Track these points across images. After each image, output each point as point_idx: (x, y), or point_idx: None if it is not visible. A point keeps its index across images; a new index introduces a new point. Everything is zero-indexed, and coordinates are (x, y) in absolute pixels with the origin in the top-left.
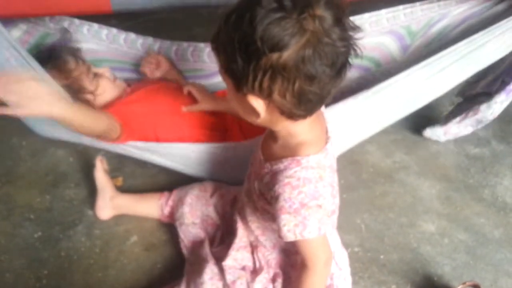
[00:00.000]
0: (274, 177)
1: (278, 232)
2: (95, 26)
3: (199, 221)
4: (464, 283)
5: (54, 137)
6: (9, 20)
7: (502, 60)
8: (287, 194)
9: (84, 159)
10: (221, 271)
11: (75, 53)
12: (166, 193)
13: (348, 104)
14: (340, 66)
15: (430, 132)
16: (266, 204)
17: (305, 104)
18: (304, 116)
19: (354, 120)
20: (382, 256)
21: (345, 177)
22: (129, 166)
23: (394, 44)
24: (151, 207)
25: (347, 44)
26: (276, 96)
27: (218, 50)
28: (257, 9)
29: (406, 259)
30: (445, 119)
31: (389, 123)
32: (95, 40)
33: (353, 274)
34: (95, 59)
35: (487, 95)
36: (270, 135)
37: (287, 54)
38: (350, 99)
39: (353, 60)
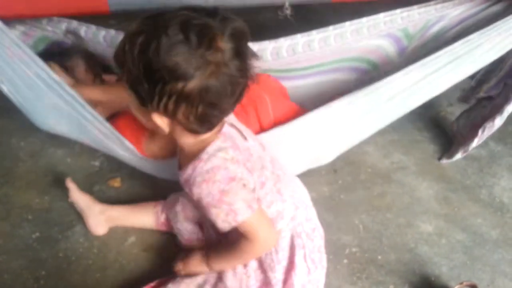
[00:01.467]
0: (188, 183)
1: (216, 226)
2: (93, 27)
3: (191, 217)
4: (461, 283)
5: (56, 131)
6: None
7: (502, 62)
8: (205, 190)
9: (82, 159)
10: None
11: (89, 57)
12: (161, 201)
13: (344, 103)
14: (239, 93)
15: (448, 160)
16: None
17: (208, 124)
18: (205, 132)
19: (351, 120)
20: (380, 257)
21: (342, 177)
22: (128, 167)
23: (392, 46)
24: (146, 216)
25: (246, 72)
26: (180, 116)
27: (122, 66)
28: (163, 39)
29: (404, 260)
30: (462, 142)
31: (386, 123)
32: (93, 43)
33: (351, 274)
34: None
35: (490, 99)
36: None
37: (192, 84)
38: (346, 97)
39: (350, 63)
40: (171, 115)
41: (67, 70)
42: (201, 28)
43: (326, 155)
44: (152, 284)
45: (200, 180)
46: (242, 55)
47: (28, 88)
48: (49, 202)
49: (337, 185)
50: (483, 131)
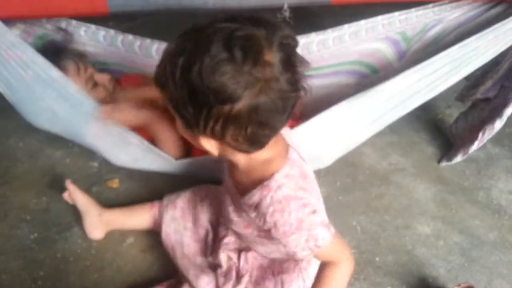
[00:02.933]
0: (257, 211)
1: (293, 256)
2: (93, 27)
3: (191, 225)
4: (458, 285)
5: (52, 131)
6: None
7: (498, 65)
8: (281, 220)
9: (81, 160)
10: (216, 277)
11: (80, 58)
12: (156, 203)
13: (343, 106)
14: (290, 108)
15: (448, 162)
16: (259, 231)
17: (258, 144)
18: (257, 150)
19: (349, 123)
20: (377, 258)
21: (341, 179)
22: (126, 168)
23: (390, 49)
24: (142, 218)
25: (297, 88)
26: (228, 139)
27: (164, 88)
28: (206, 59)
29: (402, 261)
30: (461, 144)
31: (384, 125)
32: (92, 42)
33: None
34: (94, 61)
35: (487, 100)
36: (234, 169)
37: (240, 105)
38: (345, 101)
39: (349, 67)
40: (219, 138)
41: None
42: (245, 40)
43: (325, 159)
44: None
45: (272, 210)
46: (292, 66)
47: (24, 90)
48: (47, 203)
49: (335, 186)
50: (483, 134)
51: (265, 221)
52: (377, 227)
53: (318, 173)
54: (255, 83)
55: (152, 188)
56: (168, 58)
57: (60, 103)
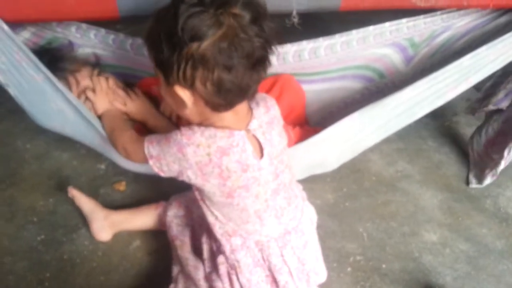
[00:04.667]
0: None
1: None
2: (102, 31)
3: (192, 223)
4: None
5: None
6: (15, 24)
7: (510, 75)
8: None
9: (88, 162)
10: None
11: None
12: (162, 203)
13: (353, 118)
14: (256, 60)
15: (479, 185)
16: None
17: (225, 94)
18: (225, 106)
19: (357, 129)
20: (384, 265)
21: (347, 185)
22: (133, 171)
23: (397, 55)
24: (148, 218)
25: (263, 41)
26: (198, 84)
27: (149, 45)
28: (180, 5)
29: (408, 269)
30: (481, 162)
31: (391, 132)
32: (102, 45)
33: (355, 283)
34: (103, 64)
35: (500, 111)
36: None
37: (205, 44)
38: (356, 114)
39: (356, 71)
40: (190, 84)
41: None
42: None
43: (331, 163)
44: None
45: None
46: (257, 23)
47: (35, 92)
48: (54, 205)
49: (341, 192)
50: (509, 152)
51: None
52: (384, 234)
53: (324, 178)
54: (220, 25)
55: (159, 191)
56: (154, 15)
57: (68, 105)
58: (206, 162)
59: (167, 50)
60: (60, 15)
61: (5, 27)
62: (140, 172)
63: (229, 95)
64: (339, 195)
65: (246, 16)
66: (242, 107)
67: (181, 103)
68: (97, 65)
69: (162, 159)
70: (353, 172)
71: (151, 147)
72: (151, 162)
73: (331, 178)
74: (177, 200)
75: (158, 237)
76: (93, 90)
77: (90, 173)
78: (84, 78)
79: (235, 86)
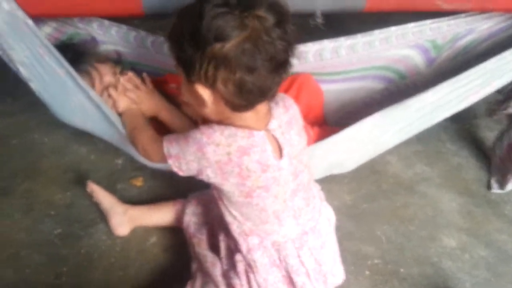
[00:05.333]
0: None
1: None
2: (124, 28)
3: (210, 222)
4: None
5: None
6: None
7: None
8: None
9: (106, 157)
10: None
11: (100, 63)
12: (180, 200)
13: (375, 119)
14: (278, 63)
15: (501, 190)
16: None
17: (246, 95)
18: (245, 107)
19: (377, 131)
20: (402, 269)
21: (365, 186)
22: (150, 167)
23: (419, 57)
24: (166, 214)
25: (286, 44)
26: (219, 85)
27: (172, 43)
28: (205, 5)
29: (427, 273)
30: (500, 163)
31: (411, 133)
32: (123, 42)
33: (373, 286)
34: (124, 61)
35: None
36: None
37: (229, 45)
38: (378, 114)
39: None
40: (212, 83)
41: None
42: None
43: (350, 163)
44: None
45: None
46: (281, 26)
47: (57, 86)
48: (71, 199)
49: (359, 193)
50: None
51: None
52: (402, 237)
53: (342, 179)
54: (244, 27)
55: (176, 188)
56: (177, 15)
57: (89, 99)
58: (226, 161)
59: (190, 48)
60: (83, 10)
61: (30, 22)
62: (158, 169)
63: (249, 96)
64: (357, 196)
65: (270, 19)
66: (262, 107)
67: (201, 101)
68: (119, 62)
69: (182, 158)
70: (371, 173)
71: (170, 146)
72: (170, 161)
73: (349, 179)
74: (195, 198)
75: (175, 233)
76: (115, 87)
77: (108, 168)
78: (106, 75)
79: (256, 87)
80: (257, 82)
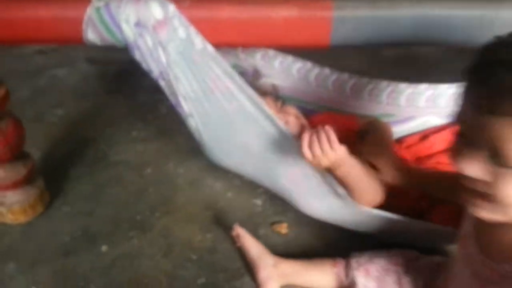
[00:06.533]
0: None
1: None
2: (290, 58)
3: None
4: None
5: (236, 170)
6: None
7: None
8: None
9: (243, 196)
10: None
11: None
12: (341, 260)
13: None
14: None
15: None
16: None
17: None
18: None
19: None
20: None
21: None
22: (293, 210)
23: None
24: (323, 277)
25: None
26: None
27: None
28: None
29: None
30: None
31: None
32: (283, 75)
33: None
34: (279, 96)
35: None
36: (494, 227)
37: None
38: None
39: None
40: None
41: None
42: None
43: None
44: None
45: None
46: None
47: (222, 125)
48: (212, 241)
49: None
50: None
51: None
52: None
53: None
54: None
55: (326, 239)
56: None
57: (259, 139)
58: None
59: None
60: (267, 42)
61: (210, 48)
62: (305, 214)
63: None
64: None
65: None
66: None
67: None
68: (278, 97)
69: None
70: None
71: None
72: None
73: None
74: (364, 266)
75: None
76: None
77: (246, 209)
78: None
79: None
80: None
